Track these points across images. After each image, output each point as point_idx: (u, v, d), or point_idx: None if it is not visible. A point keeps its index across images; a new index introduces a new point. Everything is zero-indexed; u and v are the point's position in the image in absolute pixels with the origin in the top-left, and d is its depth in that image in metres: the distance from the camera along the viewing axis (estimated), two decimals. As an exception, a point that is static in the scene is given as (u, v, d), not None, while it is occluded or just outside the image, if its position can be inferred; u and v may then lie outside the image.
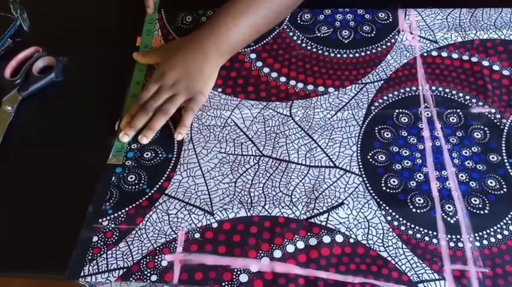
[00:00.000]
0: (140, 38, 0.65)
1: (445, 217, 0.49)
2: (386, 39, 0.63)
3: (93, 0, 0.71)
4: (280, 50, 0.63)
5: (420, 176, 0.52)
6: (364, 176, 0.52)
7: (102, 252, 0.48)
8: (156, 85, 0.57)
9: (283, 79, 0.60)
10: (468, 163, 0.52)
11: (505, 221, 0.49)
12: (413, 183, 0.51)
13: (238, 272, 0.46)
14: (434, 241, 0.48)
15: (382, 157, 0.53)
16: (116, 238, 0.49)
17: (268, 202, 0.51)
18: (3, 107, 0.59)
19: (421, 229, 0.48)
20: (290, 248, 0.48)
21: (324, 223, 0.49)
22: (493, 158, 0.53)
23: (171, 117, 0.57)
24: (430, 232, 0.48)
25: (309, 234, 0.48)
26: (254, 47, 0.63)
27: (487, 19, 0.64)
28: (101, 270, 0.47)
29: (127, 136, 0.55)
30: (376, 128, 0.56)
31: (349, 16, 0.66)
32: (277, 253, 0.47)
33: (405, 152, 0.54)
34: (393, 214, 0.49)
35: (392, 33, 0.64)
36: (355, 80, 0.60)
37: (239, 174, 0.53)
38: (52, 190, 0.52)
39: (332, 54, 0.62)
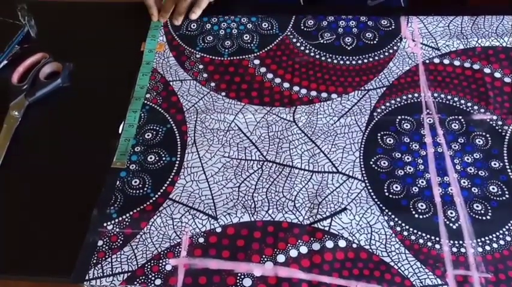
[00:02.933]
0: (145, 42, 0.66)
1: (448, 222, 0.49)
2: (388, 46, 0.64)
3: (99, 7, 0.72)
4: (283, 56, 0.64)
5: (422, 182, 0.52)
6: (367, 181, 0.52)
7: (107, 256, 0.48)
8: None
9: (286, 85, 0.61)
10: (470, 169, 0.53)
11: (507, 227, 0.49)
12: (415, 189, 0.52)
13: (242, 277, 0.47)
14: (437, 246, 0.48)
15: (384, 163, 0.54)
16: (121, 242, 0.49)
17: (272, 206, 0.51)
18: (10, 112, 0.59)
19: (424, 235, 0.49)
20: (293, 253, 0.48)
21: (327, 228, 0.49)
22: (494, 164, 0.53)
23: (174, 119, 0.58)
24: (433, 238, 0.48)
25: (312, 239, 0.49)
26: (258, 53, 0.64)
27: (489, 27, 0.65)
28: (105, 274, 0.47)
29: (163, 18, 0.68)
30: (379, 134, 0.56)
31: (352, 23, 0.66)
32: (281, 258, 0.48)
33: (408, 158, 0.54)
34: (396, 219, 0.50)
35: (395, 41, 0.64)
36: (358, 86, 0.60)
37: (243, 179, 0.53)
38: (57, 194, 0.53)
39: (335, 61, 0.63)
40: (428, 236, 0.49)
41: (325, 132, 0.56)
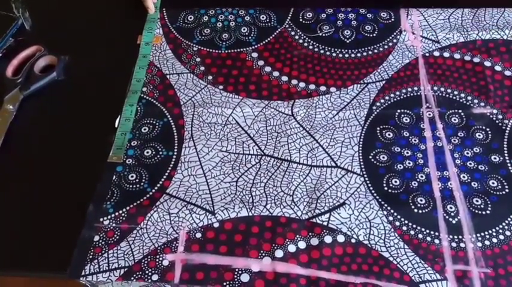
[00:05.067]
0: (141, 35, 0.65)
1: (447, 217, 0.49)
2: (388, 39, 0.63)
3: (95, -1, 0.71)
4: (282, 49, 0.63)
5: (422, 177, 0.52)
6: (365, 176, 0.52)
7: (103, 251, 0.48)
8: None
9: (284, 78, 0.60)
10: (470, 164, 0.52)
11: (506, 221, 0.48)
12: (415, 183, 0.51)
13: (240, 272, 0.46)
14: (436, 241, 0.48)
15: (383, 157, 0.53)
16: (117, 237, 0.49)
17: (270, 201, 0.51)
18: (4, 105, 0.59)
19: (423, 229, 0.48)
20: (291, 248, 0.48)
21: (325, 223, 0.49)
22: (494, 158, 0.53)
23: (170, 113, 0.57)
24: (432, 232, 0.48)
25: (310, 234, 0.48)
26: (256, 46, 0.63)
27: (490, 19, 0.64)
28: (102, 269, 0.47)
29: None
30: (378, 128, 0.55)
31: (351, 15, 0.65)
32: (279, 253, 0.47)
33: (407, 153, 0.54)
34: (395, 214, 0.49)
35: (395, 33, 0.63)
36: (356, 80, 0.60)
37: (240, 173, 0.53)
38: (53, 189, 0.52)
39: (334, 54, 0.62)
40: (427, 231, 0.48)
41: (323, 126, 0.56)
